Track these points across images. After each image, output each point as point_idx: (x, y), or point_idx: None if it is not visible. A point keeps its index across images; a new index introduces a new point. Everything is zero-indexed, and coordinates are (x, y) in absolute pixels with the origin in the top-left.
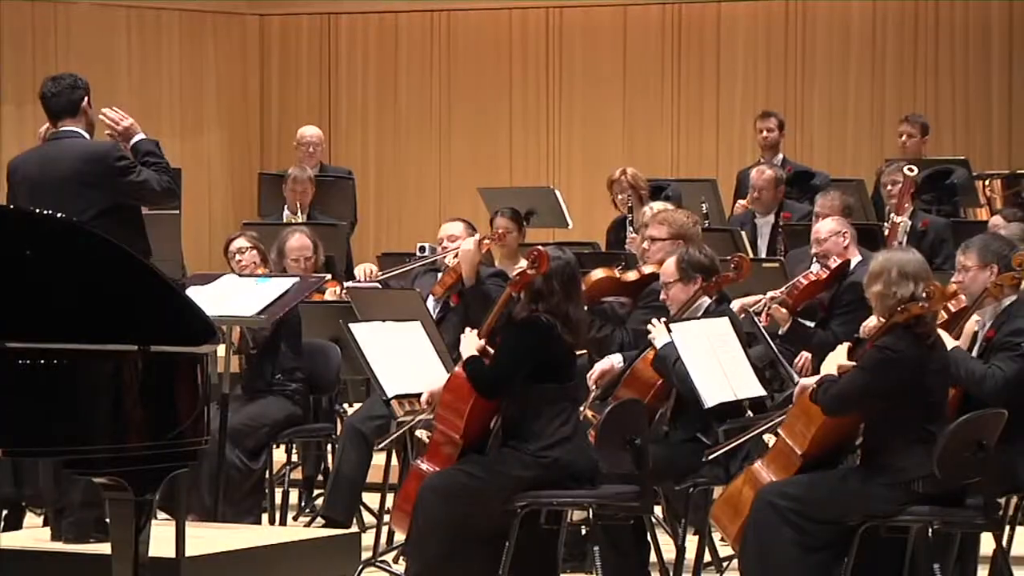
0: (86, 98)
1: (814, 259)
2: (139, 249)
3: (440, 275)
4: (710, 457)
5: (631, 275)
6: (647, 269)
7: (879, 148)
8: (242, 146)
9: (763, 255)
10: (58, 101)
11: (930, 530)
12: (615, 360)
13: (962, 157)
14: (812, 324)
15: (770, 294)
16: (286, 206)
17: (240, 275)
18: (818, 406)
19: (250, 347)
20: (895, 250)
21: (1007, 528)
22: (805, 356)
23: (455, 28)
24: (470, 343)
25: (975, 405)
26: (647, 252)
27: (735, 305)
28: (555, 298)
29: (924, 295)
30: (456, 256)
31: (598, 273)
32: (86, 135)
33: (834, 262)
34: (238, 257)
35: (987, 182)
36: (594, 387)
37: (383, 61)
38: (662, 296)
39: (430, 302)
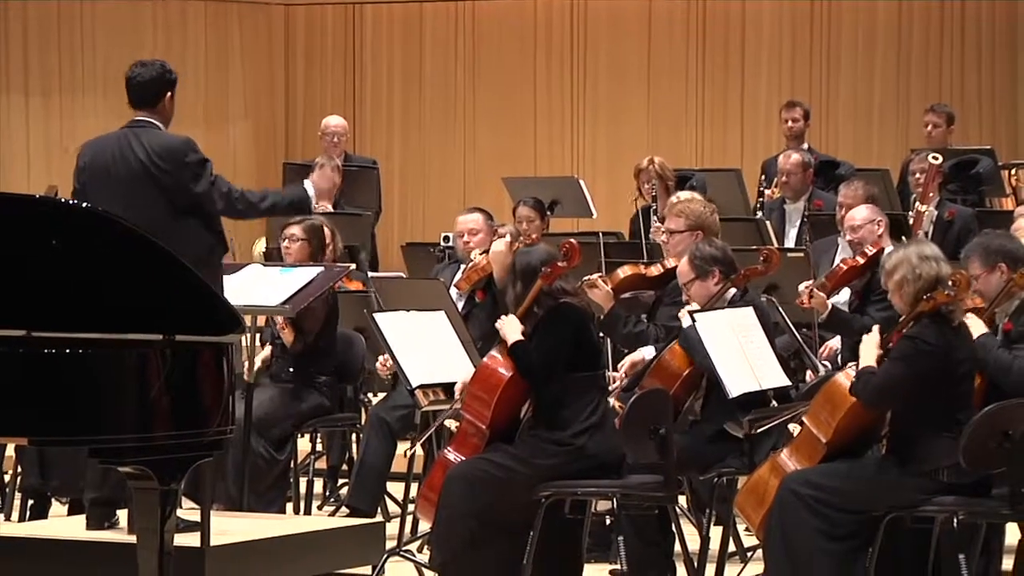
0: (170, 92)
1: (838, 244)
2: (206, 244)
3: (464, 268)
4: (759, 431)
5: (655, 270)
6: (670, 263)
7: (904, 138)
8: (267, 136)
9: (792, 242)
10: (144, 90)
11: (955, 520)
12: (646, 352)
13: (988, 147)
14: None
15: (803, 285)
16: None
17: (265, 264)
18: (858, 399)
19: (274, 337)
20: (911, 243)
21: None
22: (829, 345)
23: (480, 18)
24: (513, 327)
25: (1001, 395)
26: (667, 245)
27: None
28: (567, 284)
29: (950, 283)
30: (482, 252)
31: (625, 270)
32: (161, 127)
33: (869, 250)
34: (286, 243)
35: (1013, 172)
36: (623, 378)
37: (408, 51)
38: (684, 297)
39: (454, 294)
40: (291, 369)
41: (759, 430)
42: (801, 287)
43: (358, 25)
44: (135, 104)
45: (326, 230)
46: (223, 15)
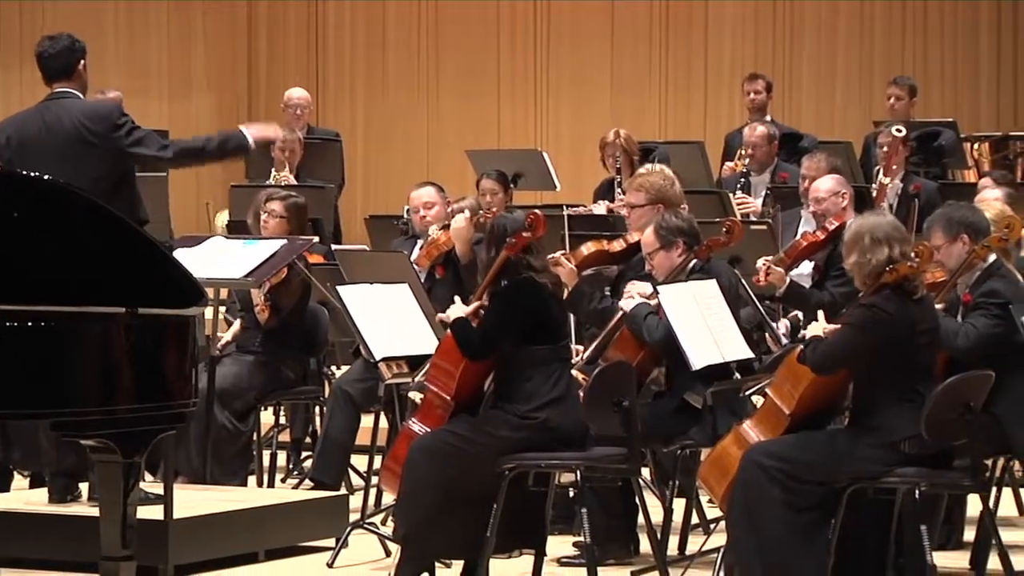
0: (83, 61)
1: (801, 216)
2: (136, 218)
3: (422, 244)
4: (750, 393)
5: (618, 245)
6: (633, 237)
7: (867, 110)
8: (230, 108)
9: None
10: (55, 62)
11: (917, 491)
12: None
13: (950, 119)
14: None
15: (761, 261)
16: (273, 167)
17: (227, 237)
18: (806, 365)
19: (238, 309)
20: (865, 217)
21: (994, 490)
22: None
23: None
24: (458, 305)
25: (964, 367)
26: (629, 219)
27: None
28: (533, 258)
29: (913, 254)
30: (440, 227)
31: (588, 247)
32: (81, 96)
33: (831, 224)
34: (264, 216)
35: (975, 145)
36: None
37: (370, 24)
38: (647, 267)
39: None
40: (258, 342)
41: (749, 392)
42: (759, 263)
43: None
44: (51, 77)
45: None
46: None
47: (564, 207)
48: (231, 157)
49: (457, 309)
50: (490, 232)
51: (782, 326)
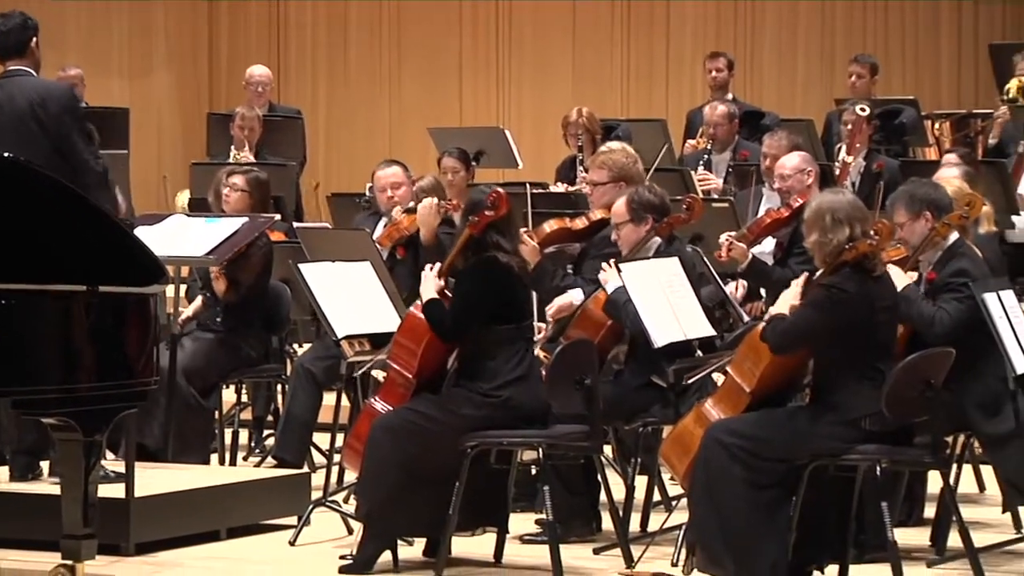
0: (35, 38)
1: (762, 194)
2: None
3: (385, 223)
4: (690, 381)
5: (580, 223)
6: (596, 215)
7: (828, 88)
8: (191, 86)
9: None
10: (7, 40)
11: (878, 468)
12: (575, 296)
13: (911, 97)
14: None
15: (724, 236)
16: (233, 145)
17: (189, 215)
18: (766, 343)
19: (199, 287)
20: (826, 194)
21: (954, 467)
22: (758, 304)
23: None
24: (430, 284)
25: (924, 344)
26: (591, 196)
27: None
28: (502, 238)
29: (871, 232)
30: (404, 209)
31: (551, 224)
32: (34, 73)
33: (796, 201)
34: (227, 191)
35: (936, 123)
36: (551, 321)
37: (332, 1)
38: (613, 236)
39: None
40: (219, 320)
41: (688, 382)
42: (721, 238)
43: None
44: (3, 55)
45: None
46: None
47: (527, 185)
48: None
49: (429, 288)
50: (465, 208)
51: (733, 286)
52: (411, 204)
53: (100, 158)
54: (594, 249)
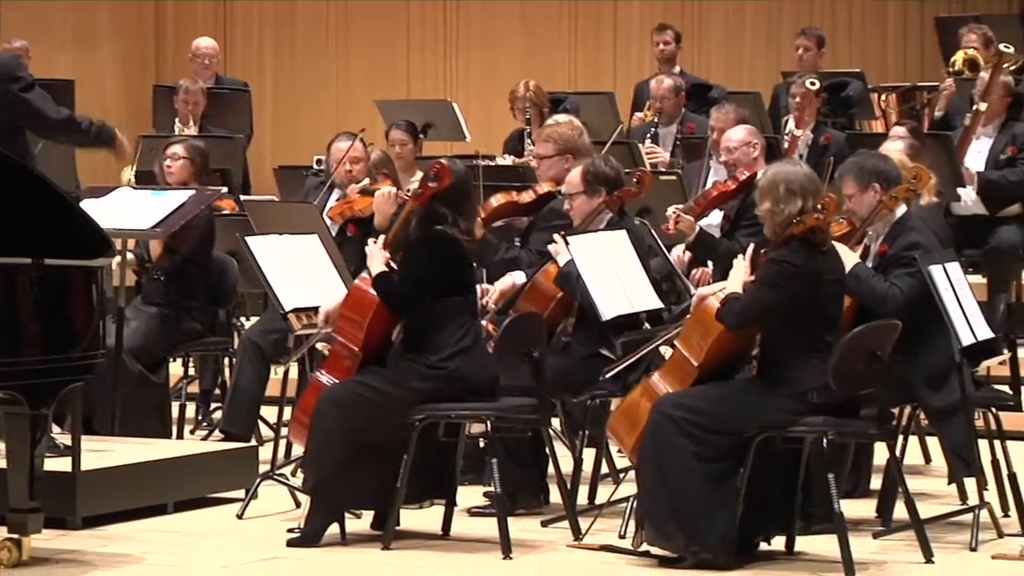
0: None
1: (709, 167)
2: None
3: (338, 196)
4: (608, 376)
5: (527, 196)
6: (542, 188)
7: (776, 61)
8: (137, 59)
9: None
10: None
11: (825, 440)
12: (516, 278)
13: (858, 70)
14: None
15: (671, 209)
16: (177, 118)
17: (136, 187)
18: (723, 324)
19: (146, 261)
20: (782, 164)
21: (900, 438)
22: (703, 268)
23: None
24: (378, 257)
25: (870, 317)
26: (538, 170)
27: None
28: (456, 211)
29: (819, 206)
30: (360, 188)
31: (498, 199)
32: None
33: (742, 174)
34: (168, 163)
35: (882, 95)
36: (493, 307)
37: None
38: (565, 206)
39: (326, 221)
40: (164, 292)
41: (636, 357)
42: (669, 211)
43: None
44: None
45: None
46: None
47: (474, 158)
48: (100, 146)
49: (378, 262)
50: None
51: (678, 252)
52: (366, 181)
53: (59, 109)
54: (541, 222)
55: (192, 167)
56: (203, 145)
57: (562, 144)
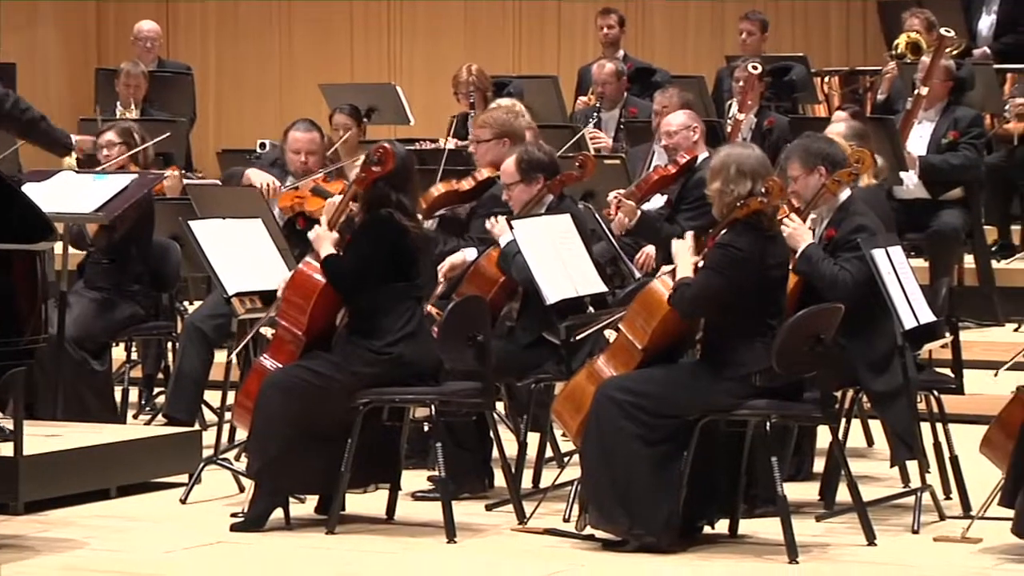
0: None
1: (653, 151)
2: None
3: (291, 182)
4: (579, 337)
5: (467, 183)
6: (482, 174)
7: (719, 45)
8: (79, 41)
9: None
10: None
11: (768, 423)
12: (468, 254)
13: (801, 54)
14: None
15: (612, 195)
16: (119, 102)
17: (78, 171)
18: (677, 310)
19: (88, 244)
20: (736, 146)
21: (843, 421)
22: (647, 252)
23: None
24: (327, 239)
25: (814, 300)
26: (476, 155)
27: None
28: (401, 192)
29: (763, 190)
30: (311, 189)
31: (438, 188)
32: None
33: (682, 157)
34: (105, 151)
35: (825, 79)
36: (443, 280)
37: None
38: (504, 196)
39: (275, 211)
40: (105, 275)
41: (577, 338)
42: (610, 196)
43: None
44: None
45: (136, 136)
46: None
47: (418, 142)
48: (49, 146)
49: (327, 245)
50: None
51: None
52: (321, 175)
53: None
54: (483, 208)
55: (128, 149)
56: (128, 124)
57: (498, 128)
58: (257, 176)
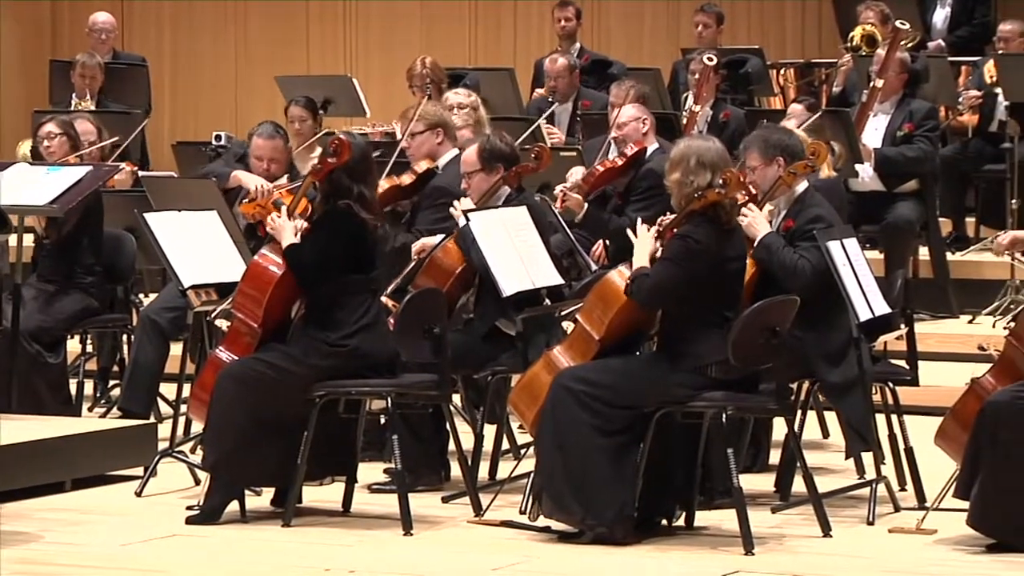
0: None
1: (609, 143)
2: None
3: (250, 189)
4: (564, 314)
5: (408, 178)
6: (421, 167)
7: (675, 38)
8: (33, 32)
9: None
10: None
11: (724, 415)
12: (437, 239)
13: (756, 47)
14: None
15: (559, 187)
16: (74, 93)
17: (32, 163)
18: (636, 301)
19: (43, 237)
20: (696, 138)
21: (799, 413)
22: (599, 245)
23: None
24: (288, 228)
25: (771, 291)
26: (409, 149)
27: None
28: (359, 183)
29: (721, 182)
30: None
31: (381, 185)
32: None
33: (631, 149)
34: (46, 143)
35: (781, 72)
36: (415, 258)
37: None
38: (463, 185)
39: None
40: (58, 268)
41: (567, 313)
42: (556, 189)
43: None
44: None
45: (91, 126)
46: None
47: (370, 133)
48: None
49: (289, 235)
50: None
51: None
52: (284, 179)
53: None
54: (427, 200)
55: (69, 140)
56: (68, 117)
57: (430, 119)
58: (249, 179)
